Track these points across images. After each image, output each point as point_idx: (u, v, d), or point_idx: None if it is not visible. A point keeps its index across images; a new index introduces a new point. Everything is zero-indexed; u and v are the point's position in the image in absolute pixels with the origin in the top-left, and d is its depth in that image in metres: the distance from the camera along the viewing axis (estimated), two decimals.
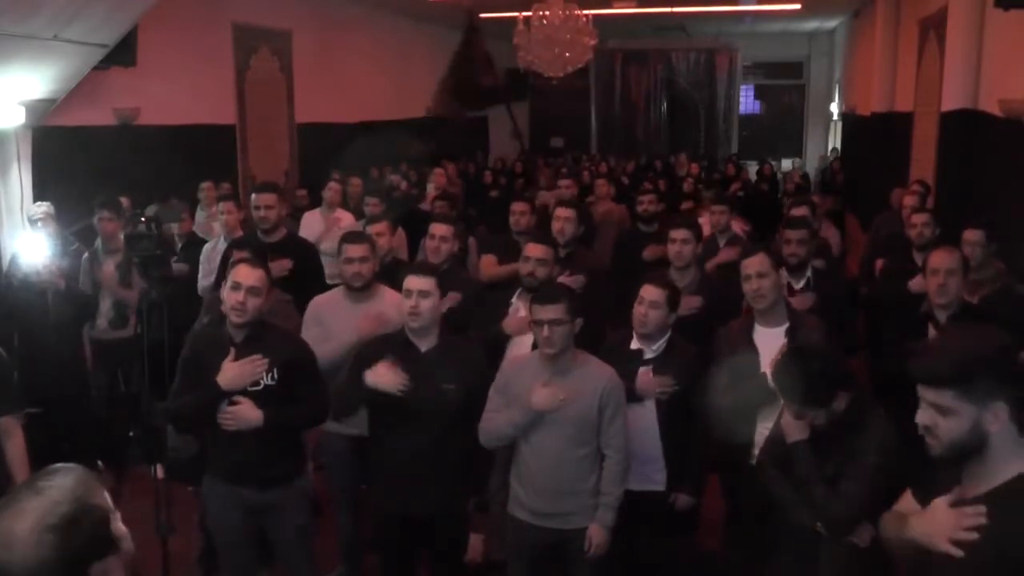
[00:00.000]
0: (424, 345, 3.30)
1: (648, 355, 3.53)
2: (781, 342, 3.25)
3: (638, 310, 3.50)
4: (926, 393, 1.88)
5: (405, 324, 3.30)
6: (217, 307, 4.30)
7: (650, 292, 3.51)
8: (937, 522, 1.91)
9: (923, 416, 1.89)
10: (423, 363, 3.25)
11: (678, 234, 4.44)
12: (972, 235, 4.42)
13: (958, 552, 1.84)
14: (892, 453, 2.65)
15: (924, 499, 2.09)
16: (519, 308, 4.03)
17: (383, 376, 3.16)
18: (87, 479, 1.45)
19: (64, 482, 1.42)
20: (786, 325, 3.42)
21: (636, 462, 3.46)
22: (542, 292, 3.24)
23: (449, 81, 13.72)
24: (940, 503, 1.93)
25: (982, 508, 1.83)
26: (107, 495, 1.48)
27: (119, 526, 1.48)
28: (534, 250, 4.06)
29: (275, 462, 3.28)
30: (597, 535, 3.20)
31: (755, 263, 3.46)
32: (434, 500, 3.27)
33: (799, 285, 4.39)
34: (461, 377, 3.25)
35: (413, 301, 3.22)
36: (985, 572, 1.82)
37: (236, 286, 3.17)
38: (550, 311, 3.10)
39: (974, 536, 1.82)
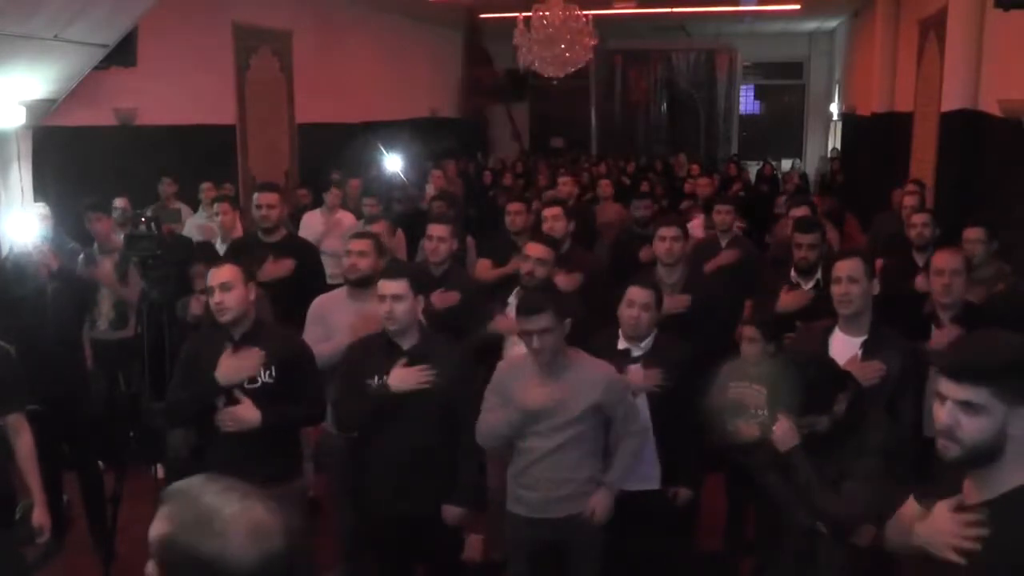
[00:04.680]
0: (406, 344, 3.32)
1: (636, 353, 3.53)
2: (855, 353, 3.20)
3: (629, 313, 3.49)
4: (956, 390, 1.78)
5: (384, 326, 3.33)
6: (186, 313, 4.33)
7: (640, 295, 3.49)
8: (939, 528, 1.86)
9: (945, 415, 1.79)
10: (407, 361, 3.27)
11: (667, 232, 4.49)
12: (973, 233, 4.42)
13: (959, 559, 1.80)
14: (893, 453, 2.65)
15: (926, 505, 2.06)
16: (514, 306, 4.04)
17: (404, 378, 3.20)
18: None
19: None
20: (864, 337, 3.29)
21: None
22: (526, 304, 3.20)
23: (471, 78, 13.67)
24: (942, 508, 1.88)
25: (984, 515, 1.79)
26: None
27: None
28: (535, 249, 4.08)
29: (271, 461, 3.27)
30: (599, 499, 3.21)
31: (848, 267, 3.32)
32: (424, 499, 3.28)
33: (808, 285, 4.43)
34: (445, 374, 3.26)
35: (387, 306, 3.25)
36: None
37: (208, 290, 3.25)
38: (536, 322, 3.09)
39: (974, 543, 1.78)
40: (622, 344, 3.56)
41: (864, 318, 3.32)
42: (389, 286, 3.26)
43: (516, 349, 3.86)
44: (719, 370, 3.60)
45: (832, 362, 2.88)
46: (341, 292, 4.04)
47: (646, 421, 3.45)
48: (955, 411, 1.78)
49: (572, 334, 3.23)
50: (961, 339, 2.02)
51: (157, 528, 1.36)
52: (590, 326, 3.59)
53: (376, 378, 3.26)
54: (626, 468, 3.27)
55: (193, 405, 3.26)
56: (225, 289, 3.20)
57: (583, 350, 3.34)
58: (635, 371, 3.47)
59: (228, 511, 1.35)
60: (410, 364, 3.25)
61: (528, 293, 3.26)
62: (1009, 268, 4.53)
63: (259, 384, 3.22)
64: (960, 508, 1.85)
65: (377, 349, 3.32)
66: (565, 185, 7.33)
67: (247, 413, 3.17)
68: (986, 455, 1.78)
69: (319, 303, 3.98)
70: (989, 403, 1.75)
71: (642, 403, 3.46)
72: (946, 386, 1.81)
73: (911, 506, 2.13)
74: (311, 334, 3.74)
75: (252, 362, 3.18)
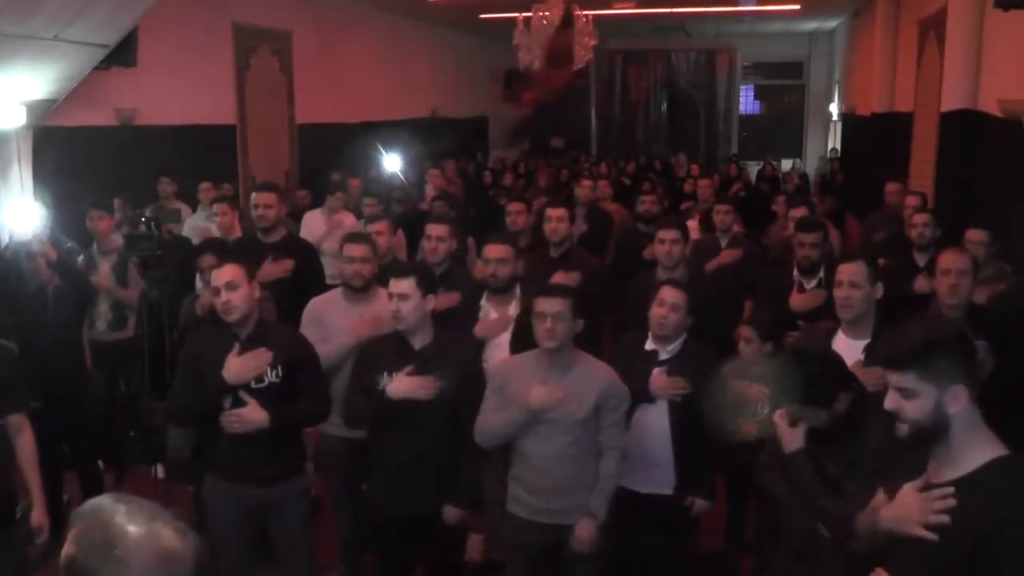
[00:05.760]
0: (418, 343, 3.32)
1: (663, 356, 3.52)
2: (859, 356, 3.18)
3: (658, 311, 3.48)
4: (892, 377, 1.96)
5: (393, 325, 3.35)
6: (192, 311, 4.33)
7: (671, 294, 3.49)
8: (906, 507, 1.97)
9: (889, 401, 1.97)
10: (418, 361, 3.28)
11: (667, 234, 4.50)
12: (976, 235, 4.42)
13: (930, 536, 1.88)
14: (894, 455, 2.64)
15: (892, 492, 2.12)
16: (489, 311, 4.05)
17: (406, 386, 3.18)
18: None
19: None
20: (867, 341, 3.27)
21: (646, 465, 3.46)
22: (548, 285, 3.22)
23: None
24: (908, 489, 1.98)
25: (951, 490, 1.89)
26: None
27: None
28: (493, 251, 4.06)
29: (276, 459, 3.30)
30: (584, 530, 3.17)
31: (850, 271, 3.30)
32: (430, 498, 3.29)
33: (811, 285, 4.45)
34: (454, 375, 3.27)
35: (394, 304, 3.26)
36: (962, 558, 1.85)
37: (215, 291, 3.23)
38: (555, 304, 3.10)
39: (945, 519, 1.87)
40: (649, 345, 3.56)
41: (867, 321, 3.31)
42: (396, 285, 3.27)
43: (497, 352, 3.87)
44: (719, 370, 3.61)
45: (837, 357, 2.86)
46: (336, 293, 4.04)
47: (663, 430, 3.45)
48: (896, 397, 1.96)
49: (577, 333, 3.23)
50: (896, 330, 2.11)
51: (66, 549, 1.28)
52: (591, 325, 3.58)
53: (385, 375, 3.27)
54: (610, 494, 3.23)
55: (198, 407, 3.26)
56: (231, 288, 3.19)
57: (591, 348, 3.35)
58: (658, 375, 3.47)
59: (132, 536, 1.27)
60: (420, 369, 3.24)
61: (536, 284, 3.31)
62: (1010, 268, 4.53)
63: (266, 384, 3.22)
64: (928, 487, 1.95)
65: (388, 347, 3.33)
66: (586, 189, 7.36)
67: (255, 414, 3.17)
68: (931, 432, 1.92)
69: (315, 304, 3.99)
70: (918, 386, 1.91)
71: (662, 409, 3.46)
72: (887, 375, 2.00)
73: (879, 498, 2.21)
74: (307, 335, 3.73)
75: (260, 361, 3.18)
